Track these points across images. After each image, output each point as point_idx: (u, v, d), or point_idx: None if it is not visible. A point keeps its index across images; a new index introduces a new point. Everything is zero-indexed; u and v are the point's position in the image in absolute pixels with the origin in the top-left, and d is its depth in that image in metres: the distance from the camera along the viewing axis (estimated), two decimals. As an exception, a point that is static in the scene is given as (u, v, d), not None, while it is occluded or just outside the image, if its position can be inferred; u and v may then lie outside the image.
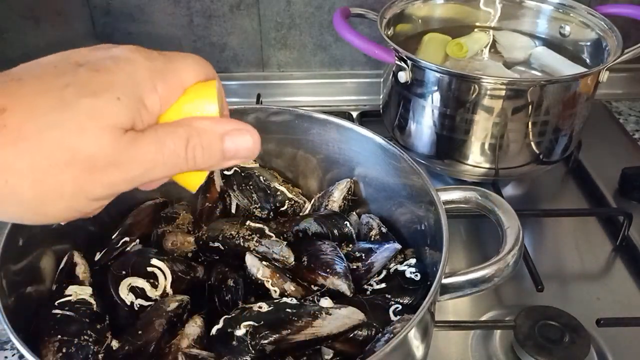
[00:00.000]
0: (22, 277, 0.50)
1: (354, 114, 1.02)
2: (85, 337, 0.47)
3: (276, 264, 0.56)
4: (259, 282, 0.53)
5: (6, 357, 0.64)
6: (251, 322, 0.47)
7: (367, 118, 1.01)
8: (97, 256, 0.58)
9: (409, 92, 0.80)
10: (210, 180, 0.66)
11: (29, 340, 0.43)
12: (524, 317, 0.62)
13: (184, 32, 1.05)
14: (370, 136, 0.61)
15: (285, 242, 0.58)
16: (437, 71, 0.76)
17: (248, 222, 0.59)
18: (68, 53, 0.32)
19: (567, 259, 0.76)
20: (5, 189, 0.29)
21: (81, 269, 0.55)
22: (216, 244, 0.59)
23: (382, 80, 0.90)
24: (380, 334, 0.50)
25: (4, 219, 0.32)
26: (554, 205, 0.85)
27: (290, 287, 0.53)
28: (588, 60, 0.88)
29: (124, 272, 0.54)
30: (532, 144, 0.79)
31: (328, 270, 0.54)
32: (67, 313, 0.49)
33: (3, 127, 0.28)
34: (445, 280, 0.49)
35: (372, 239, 0.60)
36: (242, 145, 0.35)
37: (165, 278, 0.54)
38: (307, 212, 0.66)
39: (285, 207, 0.65)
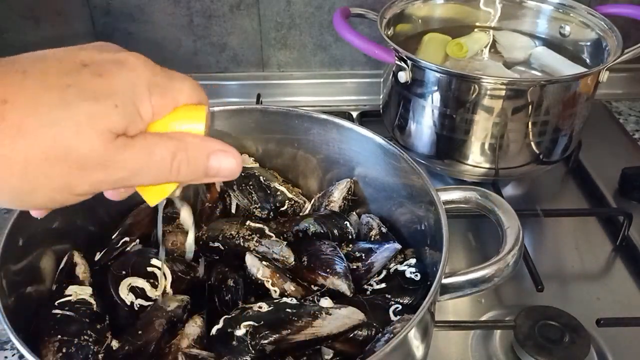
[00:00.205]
0: (22, 277, 0.50)
1: (354, 114, 1.02)
2: (85, 337, 0.47)
3: (276, 264, 0.56)
4: (259, 282, 0.53)
5: (6, 357, 0.64)
6: (251, 322, 0.47)
7: (367, 118, 1.01)
8: (97, 256, 0.58)
9: (409, 92, 0.80)
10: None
11: (29, 340, 0.43)
12: (524, 317, 0.62)
13: (184, 32, 1.05)
14: (370, 136, 0.61)
15: (285, 242, 0.58)
16: (437, 71, 0.76)
17: (248, 222, 0.59)
18: (75, 50, 0.33)
19: (567, 259, 0.76)
20: None
21: (81, 269, 0.55)
22: (216, 244, 0.59)
23: (382, 80, 0.90)
24: (380, 334, 0.50)
25: None
26: (554, 205, 0.85)
27: (290, 287, 0.53)
28: (588, 60, 0.88)
29: (124, 272, 0.54)
30: (532, 144, 0.79)
31: (328, 270, 0.54)
32: (67, 313, 0.49)
33: (2, 120, 0.29)
34: (445, 280, 0.49)
35: (372, 239, 0.60)
36: (225, 165, 0.37)
37: (165, 278, 0.54)
38: (307, 212, 0.66)
39: (285, 207, 0.65)
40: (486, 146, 0.79)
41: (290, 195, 0.66)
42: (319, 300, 0.51)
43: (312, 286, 0.54)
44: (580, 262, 0.76)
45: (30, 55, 0.32)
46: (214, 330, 0.48)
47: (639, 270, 0.74)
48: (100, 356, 0.47)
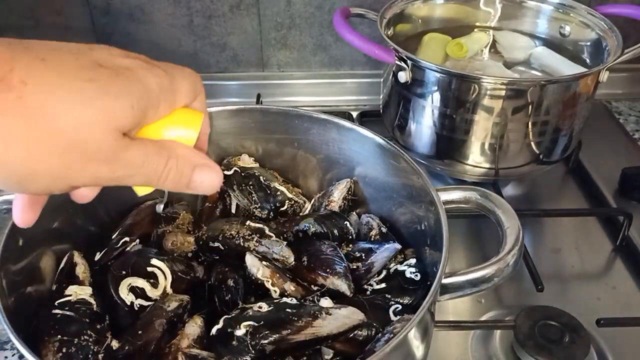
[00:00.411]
0: (22, 277, 0.50)
1: (354, 114, 1.02)
2: (85, 337, 0.47)
3: (276, 264, 0.56)
4: (259, 282, 0.53)
5: (6, 357, 0.64)
6: (251, 322, 0.47)
7: (367, 118, 1.02)
8: (97, 256, 0.57)
9: (409, 92, 0.80)
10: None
11: (29, 340, 0.43)
12: (524, 317, 0.62)
13: (184, 32, 1.05)
14: (370, 136, 0.61)
15: (285, 242, 0.57)
16: (437, 71, 0.76)
17: (248, 222, 0.59)
18: (85, 48, 0.34)
19: (567, 259, 0.76)
20: (2, 157, 0.30)
21: (81, 269, 0.55)
22: (216, 244, 0.59)
23: (382, 80, 0.90)
24: (380, 334, 0.50)
25: None
26: (554, 205, 0.85)
27: (290, 287, 0.53)
28: (588, 60, 0.88)
29: (124, 272, 0.53)
30: (532, 144, 0.79)
31: (328, 270, 0.54)
32: (67, 313, 0.49)
33: (19, 99, 0.29)
34: (445, 280, 0.49)
35: (372, 239, 0.60)
36: (207, 180, 0.38)
37: (165, 278, 0.54)
38: (307, 212, 0.66)
39: (285, 207, 0.65)
40: (486, 146, 0.79)
41: (290, 195, 0.66)
42: (319, 300, 0.51)
43: (312, 286, 0.54)
44: (580, 262, 0.76)
45: (43, 43, 0.33)
46: (214, 330, 0.48)
47: (639, 270, 0.74)
48: (100, 356, 0.47)
